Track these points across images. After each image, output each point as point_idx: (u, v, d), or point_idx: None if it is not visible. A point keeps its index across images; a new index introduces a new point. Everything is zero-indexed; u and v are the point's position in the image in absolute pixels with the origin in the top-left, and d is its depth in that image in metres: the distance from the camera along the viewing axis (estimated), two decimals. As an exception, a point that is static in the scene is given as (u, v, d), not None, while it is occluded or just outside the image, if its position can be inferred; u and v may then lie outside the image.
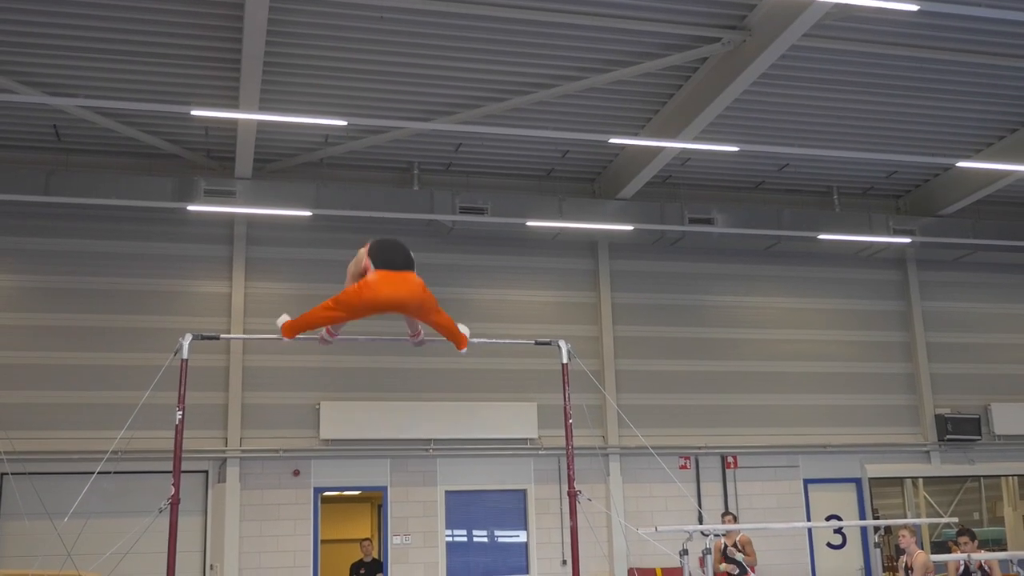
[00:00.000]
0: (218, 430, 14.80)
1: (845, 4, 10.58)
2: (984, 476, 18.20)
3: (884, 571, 15.77)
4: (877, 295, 18.16)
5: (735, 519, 13.65)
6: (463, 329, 7.27)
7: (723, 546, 13.25)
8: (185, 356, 7.56)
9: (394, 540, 15.15)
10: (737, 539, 13.21)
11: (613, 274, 16.87)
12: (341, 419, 15.09)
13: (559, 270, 16.74)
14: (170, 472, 7.49)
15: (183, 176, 14.52)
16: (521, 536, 15.79)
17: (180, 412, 7.44)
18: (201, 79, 12.75)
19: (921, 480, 18.04)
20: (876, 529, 16.08)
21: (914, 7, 10.28)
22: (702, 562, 11.17)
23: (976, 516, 18.46)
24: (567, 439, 8.24)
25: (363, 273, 6.54)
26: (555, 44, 12.22)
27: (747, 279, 17.54)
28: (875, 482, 17.35)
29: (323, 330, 7.14)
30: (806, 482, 16.97)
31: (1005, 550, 17.04)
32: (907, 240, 16.84)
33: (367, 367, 15.44)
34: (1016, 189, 17.03)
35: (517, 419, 15.73)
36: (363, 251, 6.63)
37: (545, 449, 15.80)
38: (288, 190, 14.77)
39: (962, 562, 11.23)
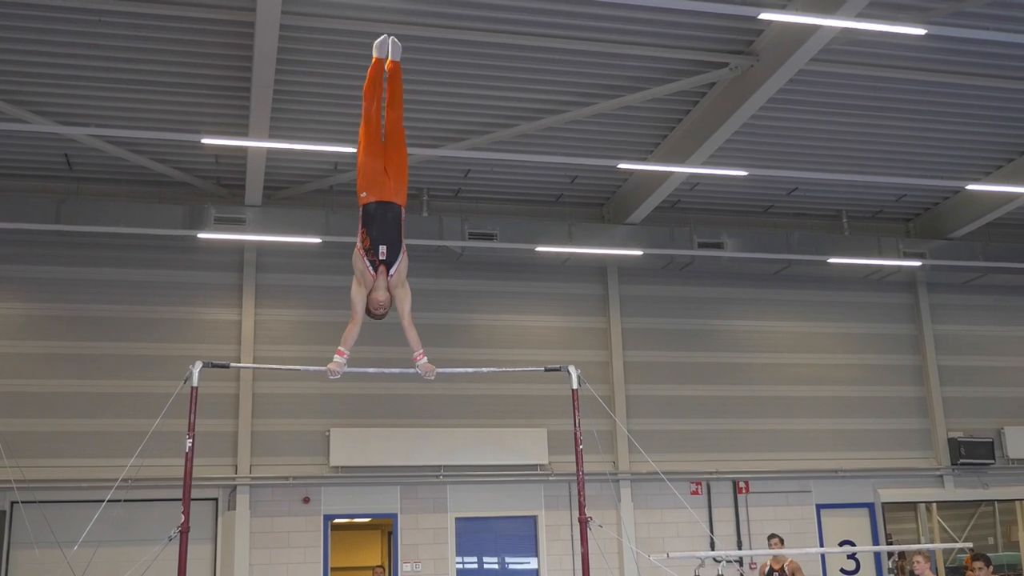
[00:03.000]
0: (228, 457, 14.79)
1: (852, 28, 10.61)
2: (998, 500, 18.05)
3: (899, 597, 15.65)
4: (888, 319, 18.10)
5: (782, 543, 13.27)
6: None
7: (768, 569, 13.10)
8: (195, 384, 7.55)
9: (404, 567, 15.08)
10: (785, 565, 13.02)
11: (623, 299, 16.85)
12: (351, 446, 15.06)
13: (569, 295, 16.72)
14: (180, 500, 7.46)
15: (193, 204, 14.58)
16: (532, 563, 15.70)
17: (190, 440, 7.43)
18: (211, 107, 12.83)
19: (935, 505, 17.90)
20: (890, 555, 16.01)
21: (921, 31, 10.31)
22: (714, 589, 11.07)
23: (991, 541, 18.30)
24: (578, 465, 8.20)
25: None
26: (563, 70, 12.27)
27: (757, 303, 17.50)
28: (888, 507, 17.22)
29: (330, 363, 6.99)
30: (818, 507, 16.86)
31: (1021, 575, 16.91)
32: (917, 263, 16.80)
33: (377, 394, 15.43)
34: (1026, 211, 17.00)
35: (527, 445, 15.66)
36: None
37: (555, 475, 15.73)
38: (298, 217, 14.82)
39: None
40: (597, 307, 16.81)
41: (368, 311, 6.91)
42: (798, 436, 17.06)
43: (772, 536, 13.40)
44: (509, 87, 12.65)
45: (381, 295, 6.84)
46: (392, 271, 6.92)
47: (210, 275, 15.40)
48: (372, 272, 6.89)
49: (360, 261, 6.95)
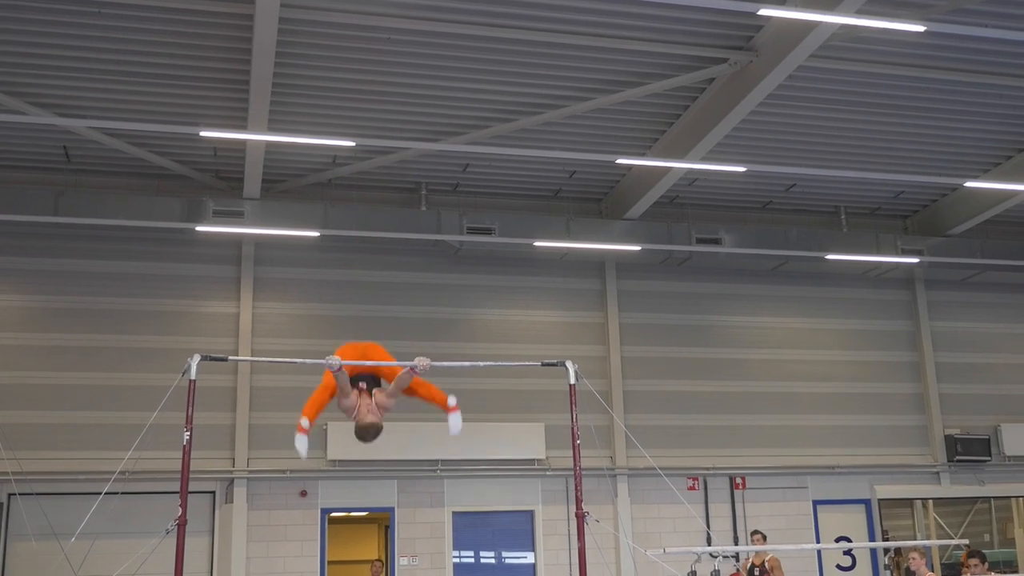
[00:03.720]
0: (225, 450, 14.79)
1: (852, 25, 10.61)
2: (995, 497, 18.08)
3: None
4: (885, 315, 18.11)
5: (764, 539, 13.44)
6: (451, 400, 7.90)
7: (750, 565, 13.14)
8: (193, 377, 7.56)
9: (401, 561, 15.09)
10: (766, 560, 13.07)
11: (620, 294, 16.86)
12: (348, 440, 14.88)
13: (566, 290, 16.73)
14: (177, 493, 7.47)
15: (192, 197, 14.58)
16: (529, 557, 15.72)
17: (188, 432, 7.44)
18: (210, 100, 12.82)
19: (931, 501, 17.93)
20: (886, 551, 16.01)
21: (921, 28, 10.30)
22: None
23: (987, 538, 18.33)
24: (575, 460, 8.22)
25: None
26: (562, 65, 12.27)
27: (755, 299, 17.51)
28: (885, 503, 17.25)
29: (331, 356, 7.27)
30: (815, 503, 16.89)
31: (1016, 572, 16.94)
32: (915, 260, 16.82)
33: (374, 387, 15.39)
34: (1024, 209, 17.02)
35: (525, 440, 15.68)
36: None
37: (553, 470, 15.74)
38: (296, 210, 14.81)
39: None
40: (595, 302, 16.82)
41: (359, 433, 7.93)
42: (795, 432, 17.08)
43: (755, 532, 13.49)
44: (508, 82, 12.65)
45: (364, 408, 7.83)
46: (374, 392, 7.89)
47: (208, 268, 15.40)
48: (356, 391, 7.79)
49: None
